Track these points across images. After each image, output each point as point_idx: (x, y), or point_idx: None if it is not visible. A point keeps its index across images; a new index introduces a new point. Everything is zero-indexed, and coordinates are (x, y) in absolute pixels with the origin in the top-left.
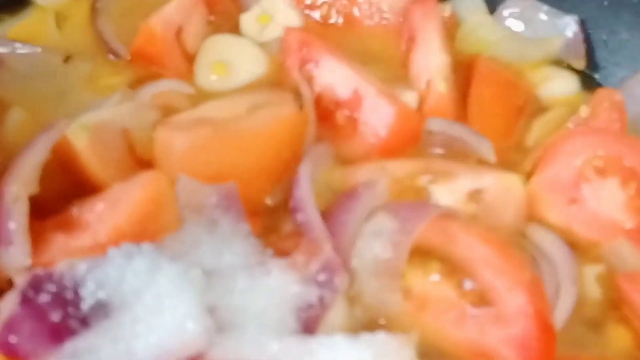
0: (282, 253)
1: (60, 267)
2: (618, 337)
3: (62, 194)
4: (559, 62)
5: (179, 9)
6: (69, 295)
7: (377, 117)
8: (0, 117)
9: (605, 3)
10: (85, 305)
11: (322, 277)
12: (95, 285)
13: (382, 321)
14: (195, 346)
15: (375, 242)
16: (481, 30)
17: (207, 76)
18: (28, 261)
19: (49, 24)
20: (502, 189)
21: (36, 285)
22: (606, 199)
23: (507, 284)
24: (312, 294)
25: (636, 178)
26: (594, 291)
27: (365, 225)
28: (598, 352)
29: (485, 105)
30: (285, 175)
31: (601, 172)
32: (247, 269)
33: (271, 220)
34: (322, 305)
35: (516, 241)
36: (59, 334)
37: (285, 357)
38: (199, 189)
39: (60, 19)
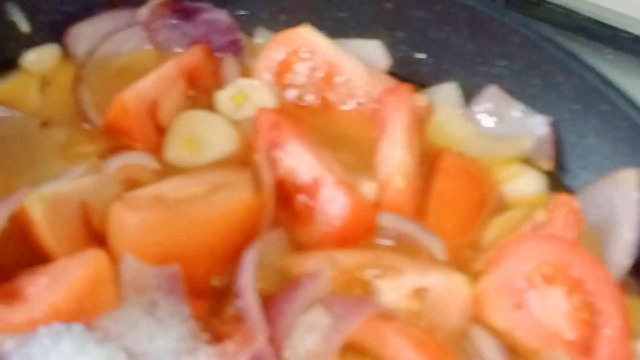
0: (221, 337)
1: None
2: None
3: (18, 261)
4: (527, 161)
5: (156, 83)
6: None
7: (333, 207)
8: None
9: (578, 107)
10: None
11: None
12: None
13: None
14: None
15: (309, 336)
16: (450, 125)
17: (177, 151)
18: None
19: (32, 87)
20: (448, 288)
21: None
22: (550, 307)
23: None
24: None
25: (582, 290)
26: None
27: (302, 318)
28: None
29: (447, 200)
30: (235, 258)
31: (548, 280)
32: (175, 356)
33: (216, 302)
34: None
35: (456, 341)
36: None
37: None
38: (143, 270)
39: (44, 83)
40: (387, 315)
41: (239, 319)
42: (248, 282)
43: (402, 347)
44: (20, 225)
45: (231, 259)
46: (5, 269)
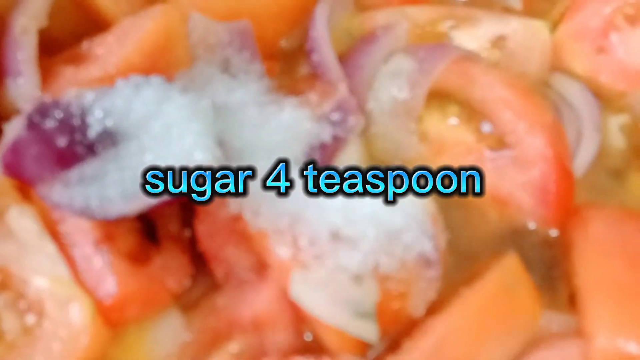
0: (296, 94)
1: (68, 95)
2: None
3: (73, 31)
4: None
5: None
6: (76, 122)
7: None
8: None
9: None
10: (92, 133)
11: (335, 117)
12: (102, 113)
13: (398, 164)
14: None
15: (393, 83)
16: None
17: None
18: (37, 92)
19: None
20: (527, 35)
21: (42, 111)
22: (635, 48)
23: (526, 126)
24: (325, 133)
25: None
26: (618, 141)
27: (383, 66)
28: (619, 199)
29: None
30: (302, 18)
31: (632, 21)
32: (260, 105)
33: (287, 64)
34: (336, 144)
35: (539, 90)
36: (65, 159)
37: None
38: (212, 27)
39: None
40: (473, 57)
41: (313, 77)
42: (322, 33)
43: (493, 85)
44: None
45: (298, 18)
46: (63, 40)
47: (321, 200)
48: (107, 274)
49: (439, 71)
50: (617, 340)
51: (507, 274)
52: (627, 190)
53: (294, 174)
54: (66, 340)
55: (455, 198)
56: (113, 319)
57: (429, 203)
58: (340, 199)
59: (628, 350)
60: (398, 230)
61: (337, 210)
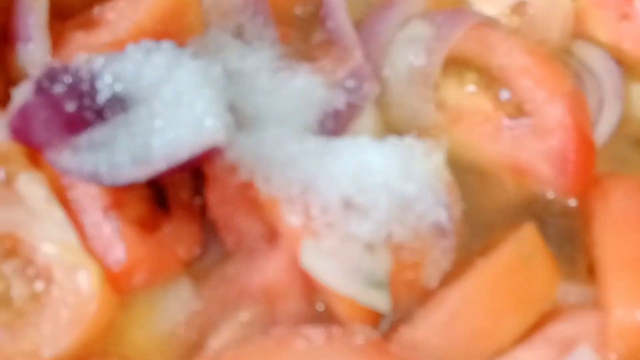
0: (310, 61)
1: (77, 60)
2: None
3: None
4: None
5: None
6: (85, 87)
7: None
8: None
9: None
10: (101, 98)
11: (350, 83)
12: (112, 78)
13: (414, 133)
14: (213, 142)
15: (409, 49)
16: None
17: None
18: (47, 58)
19: None
20: (548, 2)
21: (51, 76)
22: None
23: (546, 94)
24: (339, 99)
25: None
26: None
27: (399, 33)
28: None
29: None
30: None
31: None
32: (272, 72)
33: (301, 31)
34: (350, 111)
35: (560, 57)
36: (74, 124)
37: (306, 156)
38: None
39: None
40: (491, 24)
41: (329, 44)
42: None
43: (512, 52)
44: None
45: None
46: (75, 5)
47: (333, 168)
48: (115, 240)
49: (456, 37)
50: (636, 312)
51: (524, 244)
52: None
53: (306, 140)
54: (74, 307)
55: (469, 167)
56: (121, 286)
57: (443, 171)
58: (352, 166)
59: None
60: (411, 199)
61: (349, 178)
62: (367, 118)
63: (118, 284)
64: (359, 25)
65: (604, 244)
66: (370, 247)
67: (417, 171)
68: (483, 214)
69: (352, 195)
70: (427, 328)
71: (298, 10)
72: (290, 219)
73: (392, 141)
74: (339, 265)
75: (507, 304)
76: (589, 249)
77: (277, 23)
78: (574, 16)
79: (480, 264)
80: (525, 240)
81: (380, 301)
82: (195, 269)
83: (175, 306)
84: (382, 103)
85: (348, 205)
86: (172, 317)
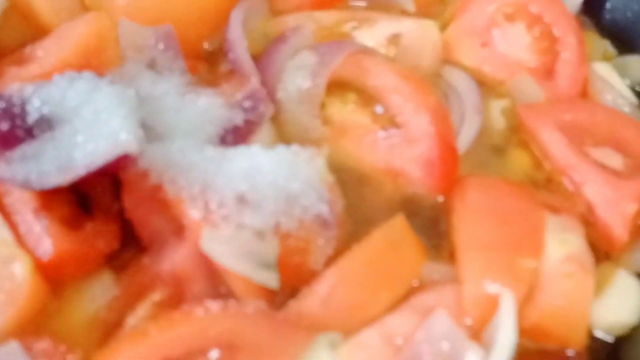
0: (214, 86)
1: (10, 89)
2: (517, 159)
3: (19, 38)
4: None
5: None
6: (17, 110)
7: None
8: None
9: None
10: (31, 119)
11: (247, 104)
12: (40, 102)
13: (304, 144)
14: (127, 152)
15: (298, 75)
16: None
17: None
18: None
19: None
20: (420, 33)
21: None
22: (513, 41)
23: (413, 107)
24: (237, 117)
25: (541, 22)
26: (499, 122)
27: (290, 61)
28: (499, 172)
29: None
30: (223, 23)
31: (510, 18)
32: (179, 95)
33: (209, 63)
34: (247, 127)
35: (431, 80)
36: (7, 141)
37: (205, 162)
38: (139, 31)
39: None
40: (368, 51)
41: (232, 73)
42: (236, 34)
43: (384, 74)
44: (18, 5)
45: (219, 23)
46: (11, 45)
47: (229, 170)
48: (44, 236)
49: (336, 63)
50: (483, 282)
51: (394, 231)
52: (507, 164)
53: (206, 149)
54: (9, 292)
55: (353, 171)
56: (51, 276)
57: (325, 173)
58: (245, 168)
59: (490, 290)
60: (296, 195)
61: (242, 178)
62: (264, 133)
63: (48, 274)
64: (258, 56)
65: (460, 230)
66: (260, 235)
67: (301, 173)
68: (364, 209)
69: (245, 192)
70: (311, 300)
71: (207, 45)
72: (193, 213)
73: (280, 149)
74: (234, 250)
75: (379, 280)
76: (451, 236)
77: (187, 56)
78: (442, 45)
79: (356, 247)
80: (395, 228)
81: (270, 279)
82: (115, 261)
83: (98, 292)
84: (277, 120)
85: (241, 200)
86: (96, 301)
